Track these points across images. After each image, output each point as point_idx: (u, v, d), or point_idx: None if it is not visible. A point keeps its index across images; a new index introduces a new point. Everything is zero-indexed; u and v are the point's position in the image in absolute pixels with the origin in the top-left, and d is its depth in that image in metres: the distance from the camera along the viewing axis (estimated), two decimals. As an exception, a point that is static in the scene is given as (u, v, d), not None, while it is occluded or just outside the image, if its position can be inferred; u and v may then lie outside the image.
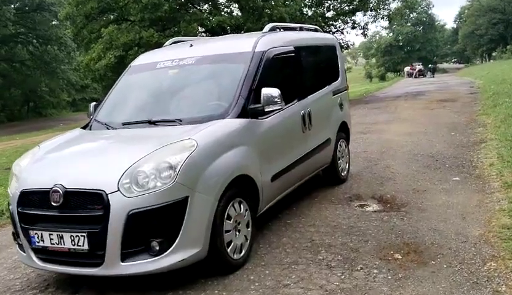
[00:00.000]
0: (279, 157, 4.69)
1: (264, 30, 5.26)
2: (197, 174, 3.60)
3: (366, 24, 25.07)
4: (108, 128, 4.64)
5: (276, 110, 4.46)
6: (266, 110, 4.34)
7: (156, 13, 18.54)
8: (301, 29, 6.09)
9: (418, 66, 52.95)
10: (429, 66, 53.15)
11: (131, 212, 3.37)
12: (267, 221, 5.06)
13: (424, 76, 47.59)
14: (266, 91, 4.32)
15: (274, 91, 4.33)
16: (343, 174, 6.45)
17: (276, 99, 4.32)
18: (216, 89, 4.64)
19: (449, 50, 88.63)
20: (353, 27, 24.44)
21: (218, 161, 3.80)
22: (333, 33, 24.64)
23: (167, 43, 5.79)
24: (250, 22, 19.62)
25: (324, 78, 6.12)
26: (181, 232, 3.48)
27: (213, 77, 4.75)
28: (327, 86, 6.06)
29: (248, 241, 4.16)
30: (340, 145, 6.43)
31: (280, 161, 4.71)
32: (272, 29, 5.31)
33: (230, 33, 19.19)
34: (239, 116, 4.23)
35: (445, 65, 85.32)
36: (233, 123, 4.16)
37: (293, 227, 4.92)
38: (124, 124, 4.56)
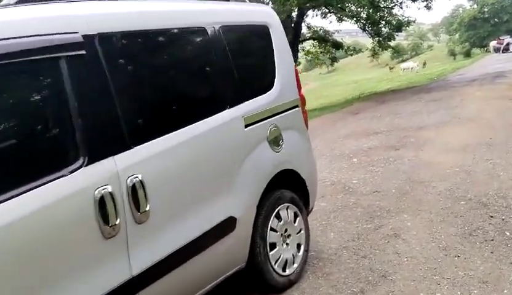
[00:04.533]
0: None
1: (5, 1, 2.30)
2: None
3: (430, -6, 20.70)
4: None
5: None
6: None
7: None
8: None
9: (507, 39, 46.51)
10: (520, 38, 46.67)
11: None
12: None
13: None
14: None
15: None
16: (283, 273, 3.31)
17: None
18: None
19: (544, 19, 78.47)
20: (414, 0, 20.27)
21: None
22: (391, 8, 20.70)
23: None
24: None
25: (215, 93, 2.98)
26: None
27: None
28: (227, 111, 2.94)
29: None
30: (279, 217, 3.31)
31: None
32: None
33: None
34: None
35: (540, 36, 75.78)
36: None
37: None
38: None
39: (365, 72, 61.79)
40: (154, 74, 2.61)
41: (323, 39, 21.33)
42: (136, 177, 2.30)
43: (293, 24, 19.53)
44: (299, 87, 3.68)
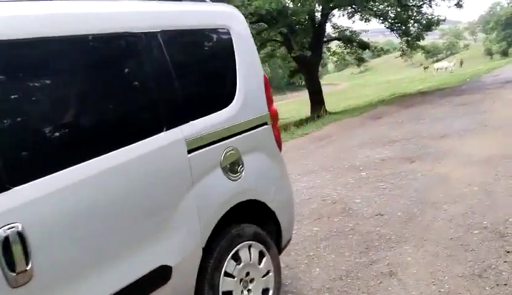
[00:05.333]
0: None
1: None
2: None
3: (461, -9, 19.55)
4: None
5: None
6: None
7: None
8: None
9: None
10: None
11: None
12: None
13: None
14: None
15: None
16: (242, 329, 2.75)
17: None
18: None
19: None
20: (444, -2, 19.19)
21: None
22: (419, 7, 19.71)
23: None
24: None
25: (144, 114, 2.38)
26: None
27: None
28: (162, 134, 2.37)
29: None
30: (237, 259, 2.74)
31: None
32: None
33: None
34: None
35: None
36: None
37: None
38: None
39: (398, 72, 60.39)
40: (52, 91, 2.07)
41: (349, 39, 20.53)
42: (13, 227, 1.78)
43: (316, 25, 18.84)
44: (269, 101, 3.10)
